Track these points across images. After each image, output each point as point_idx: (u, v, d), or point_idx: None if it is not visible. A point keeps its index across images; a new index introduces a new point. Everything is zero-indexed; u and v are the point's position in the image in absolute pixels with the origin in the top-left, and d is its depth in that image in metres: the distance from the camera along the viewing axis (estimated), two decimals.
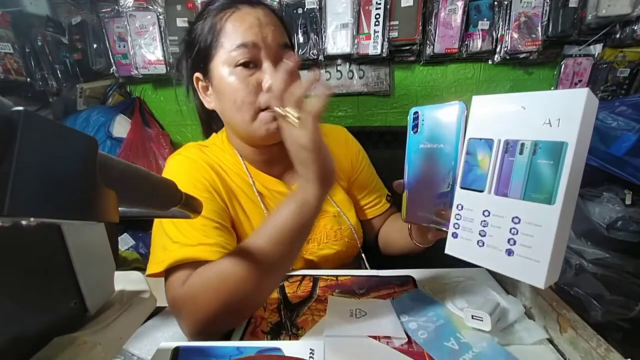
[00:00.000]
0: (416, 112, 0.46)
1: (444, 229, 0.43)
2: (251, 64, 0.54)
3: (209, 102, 0.61)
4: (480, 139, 0.37)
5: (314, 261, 0.65)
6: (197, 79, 0.61)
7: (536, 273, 0.33)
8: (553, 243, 0.31)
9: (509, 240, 0.35)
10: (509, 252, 0.35)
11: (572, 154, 0.31)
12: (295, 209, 0.43)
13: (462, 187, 0.39)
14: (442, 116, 0.44)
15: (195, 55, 0.59)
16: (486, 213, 0.37)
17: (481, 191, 0.37)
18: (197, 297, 0.44)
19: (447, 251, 0.41)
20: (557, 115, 0.31)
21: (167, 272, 0.49)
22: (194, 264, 0.48)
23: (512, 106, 0.35)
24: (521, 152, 0.34)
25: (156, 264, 0.50)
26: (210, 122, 0.70)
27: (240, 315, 0.47)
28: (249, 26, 0.54)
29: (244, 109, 0.55)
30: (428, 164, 0.45)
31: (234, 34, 0.54)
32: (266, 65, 0.54)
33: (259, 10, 0.56)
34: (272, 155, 0.64)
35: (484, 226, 0.37)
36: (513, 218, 0.34)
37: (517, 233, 0.34)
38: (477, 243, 0.38)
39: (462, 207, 0.39)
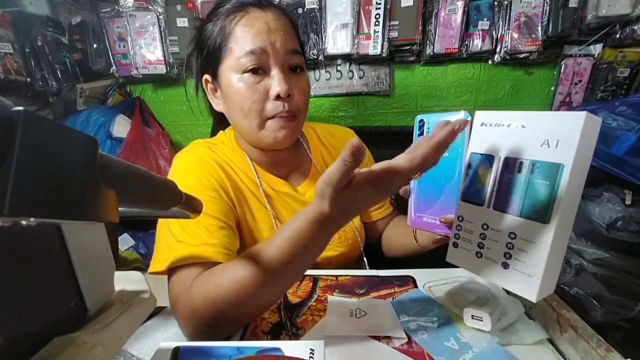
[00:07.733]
0: (422, 120, 0.46)
1: (447, 235, 0.44)
2: (259, 70, 0.54)
3: (217, 104, 0.61)
4: (482, 154, 0.38)
5: (317, 262, 0.65)
6: (206, 80, 0.60)
7: (529, 287, 0.34)
8: (546, 260, 0.32)
9: (505, 254, 0.36)
10: (505, 265, 0.36)
11: (568, 176, 0.31)
12: (311, 218, 0.39)
13: (462, 200, 0.39)
14: None
15: (204, 57, 0.59)
16: (485, 226, 0.38)
17: (481, 205, 0.38)
18: (198, 303, 0.43)
19: (447, 259, 0.43)
20: (555, 136, 0.32)
21: (171, 271, 0.49)
22: (198, 263, 0.48)
23: (514, 124, 0.35)
24: (519, 171, 0.35)
25: (159, 262, 0.50)
26: (222, 120, 0.68)
27: (239, 322, 0.45)
28: (257, 32, 0.53)
29: (251, 116, 0.55)
30: (434, 173, 0.45)
31: (243, 40, 0.53)
32: (274, 72, 0.54)
33: (269, 13, 0.55)
34: (279, 158, 0.64)
35: (482, 239, 0.38)
36: (509, 233, 0.35)
37: (512, 248, 0.35)
38: (476, 254, 0.39)
39: (462, 218, 0.39)
